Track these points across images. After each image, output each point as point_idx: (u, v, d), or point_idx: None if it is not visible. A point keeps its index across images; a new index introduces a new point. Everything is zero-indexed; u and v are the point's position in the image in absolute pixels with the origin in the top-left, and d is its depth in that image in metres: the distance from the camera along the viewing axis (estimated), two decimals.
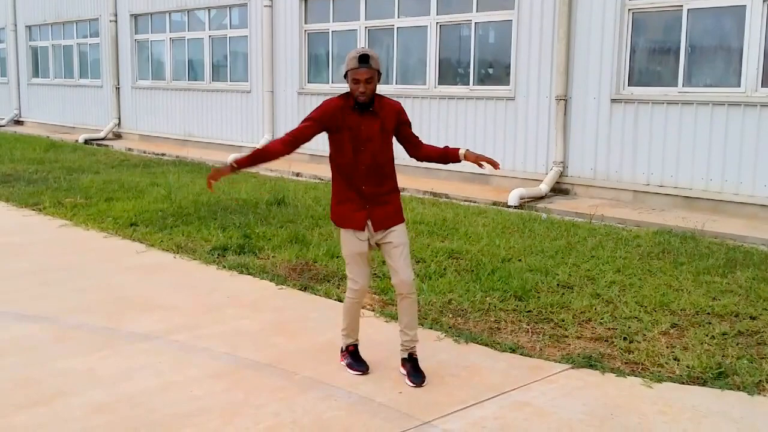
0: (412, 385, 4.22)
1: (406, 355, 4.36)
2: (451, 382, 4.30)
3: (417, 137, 4.43)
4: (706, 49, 9.50)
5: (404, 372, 4.33)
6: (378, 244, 4.31)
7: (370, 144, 4.18)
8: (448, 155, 4.38)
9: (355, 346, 4.52)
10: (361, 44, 13.25)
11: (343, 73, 4.15)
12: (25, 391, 4.14)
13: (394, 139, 4.33)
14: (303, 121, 4.27)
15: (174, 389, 4.18)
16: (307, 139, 4.27)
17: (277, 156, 4.25)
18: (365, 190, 4.22)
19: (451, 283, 6.09)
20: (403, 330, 4.35)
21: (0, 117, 24.53)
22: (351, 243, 4.28)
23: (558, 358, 4.65)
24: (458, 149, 4.35)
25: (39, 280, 6.37)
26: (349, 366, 4.44)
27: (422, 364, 4.47)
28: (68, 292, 6.02)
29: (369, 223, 4.23)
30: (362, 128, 4.16)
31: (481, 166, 4.38)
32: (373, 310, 5.53)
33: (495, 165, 4.31)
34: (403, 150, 4.44)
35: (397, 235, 4.27)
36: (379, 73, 4.14)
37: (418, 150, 4.41)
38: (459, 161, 4.36)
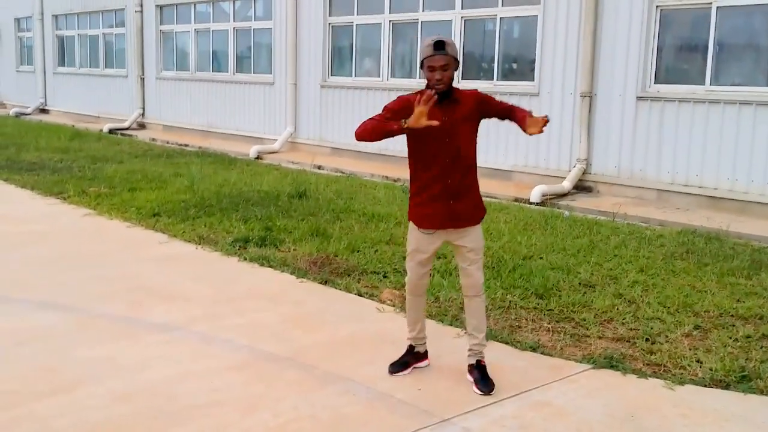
0: (480, 393, 4.07)
1: (473, 362, 4.22)
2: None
3: (506, 104, 4.17)
4: (734, 47, 9.36)
5: (471, 379, 4.19)
6: (452, 244, 4.21)
7: (454, 135, 4.02)
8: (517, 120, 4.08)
9: (412, 346, 4.41)
10: (385, 38, 13.21)
11: (419, 63, 4.05)
12: (46, 379, 4.17)
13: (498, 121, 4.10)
14: (382, 111, 4.05)
15: (194, 380, 4.19)
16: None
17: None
18: (450, 183, 4.06)
19: None
20: (471, 333, 4.25)
21: (26, 105, 24.79)
22: (417, 239, 4.19)
23: (579, 358, 4.62)
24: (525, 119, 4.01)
25: (61, 269, 6.43)
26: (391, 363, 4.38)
27: (441, 361, 4.47)
28: (90, 281, 6.07)
29: (451, 221, 4.10)
30: (444, 119, 3.96)
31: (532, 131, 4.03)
32: (393, 305, 5.52)
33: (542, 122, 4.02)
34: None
35: (473, 238, 4.15)
36: (456, 61, 4.00)
37: (514, 114, 4.10)
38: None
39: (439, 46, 3.93)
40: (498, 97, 4.23)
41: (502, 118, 4.20)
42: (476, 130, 4.16)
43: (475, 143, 4.18)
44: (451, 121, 4.00)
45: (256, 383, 4.18)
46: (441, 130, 3.96)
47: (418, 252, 4.22)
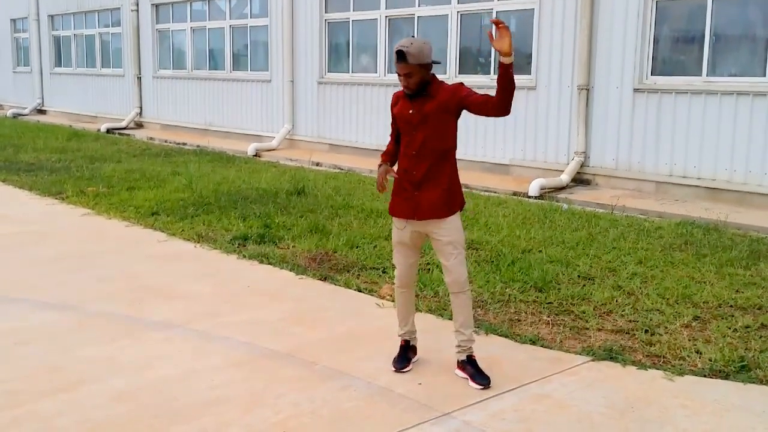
0: (479, 387, 4.07)
1: (464, 357, 4.22)
2: None
3: (482, 95, 4.09)
4: (730, 38, 9.36)
5: (464, 375, 4.18)
6: (429, 237, 4.20)
7: (422, 128, 4.09)
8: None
9: (407, 341, 4.41)
10: (382, 34, 13.21)
11: None
12: (48, 378, 4.18)
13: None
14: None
15: (194, 378, 4.20)
16: (397, 132, 4.33)
17: (396, 153, 4.34)
18: (414, 174, 4.13)
19: (470, 274, 6.05)
20: (458, 330, 4.22)
21: (23, 106, 24.76)
22: (395, 232, 4.29)
23: (578, 350, 4.63)
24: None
25: (61, 268, 6.43)
26: (393, 360, 4.37)
27: (440, 355, 4.48)
28: (90, 281, 6.07)
29: (415, 212, 4.14)
30: (413, 113, 4.09)
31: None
32: (392, 301, 5.52)
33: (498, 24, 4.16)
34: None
35: (447, 231, 4.12)
36: (422, 66, 4.01)
37: (489, 102, 4.04)
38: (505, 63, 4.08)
39: (399, 56, 3.97)
40: (495, 91, 4.16)
41: (476, 112, 4.08)
42: (451, 121, 4.15)
43: (451, 134, 4.17)
44: (418, 114, 4.09)
45: (257, 380, 4.19)
46: (410, 125, 4.13)
47: (398, 243, 4.30)
